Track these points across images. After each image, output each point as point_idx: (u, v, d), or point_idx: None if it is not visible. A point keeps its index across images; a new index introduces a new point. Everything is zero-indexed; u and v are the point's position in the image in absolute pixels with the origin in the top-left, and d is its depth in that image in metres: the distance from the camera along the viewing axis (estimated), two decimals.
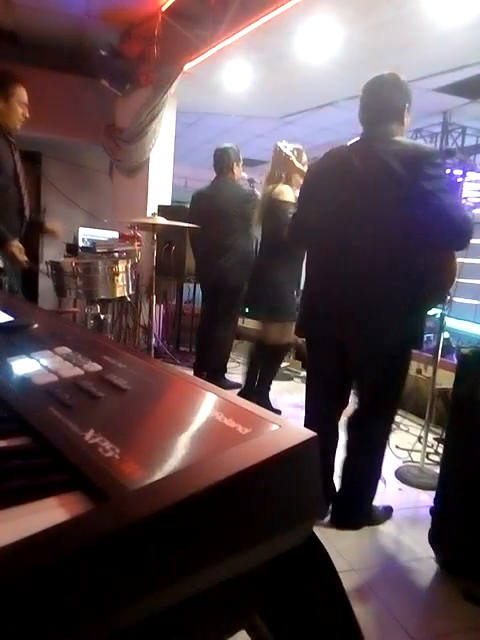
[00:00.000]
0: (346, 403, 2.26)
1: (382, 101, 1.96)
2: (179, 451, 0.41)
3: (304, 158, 3.08)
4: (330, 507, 2.16)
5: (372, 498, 2.19)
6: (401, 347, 2.02)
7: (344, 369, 2.14)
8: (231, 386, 3.83)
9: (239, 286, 3.71)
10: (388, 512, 2.27)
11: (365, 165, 1.90)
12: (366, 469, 2.15)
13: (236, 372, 4.48)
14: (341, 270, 1.98)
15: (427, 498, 2.36)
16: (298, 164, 2.77)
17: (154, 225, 3.25)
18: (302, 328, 2.30)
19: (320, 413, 2.21)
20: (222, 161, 3.69)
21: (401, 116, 1.97)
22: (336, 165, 2.01)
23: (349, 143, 2.02)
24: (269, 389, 3.54)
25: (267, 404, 3.43)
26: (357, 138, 2.03)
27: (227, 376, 4.18)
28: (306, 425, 2.22)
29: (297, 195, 2.57)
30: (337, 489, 2.18)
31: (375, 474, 2.18)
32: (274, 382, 4.14)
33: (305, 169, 2.67)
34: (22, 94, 2.71)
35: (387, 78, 1.98)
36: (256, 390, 3.45)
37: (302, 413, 2.27)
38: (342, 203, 1.97)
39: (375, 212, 1.88)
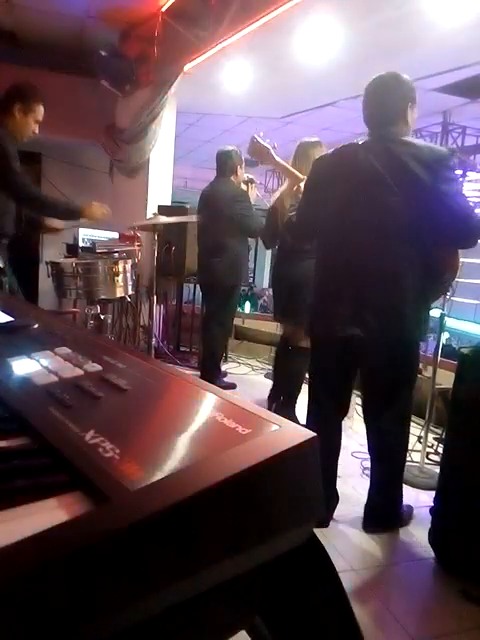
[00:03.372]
0: (348, 405, 2.26)
1: (385, 103, 1.97)
2: (179, 451, 0.41)
3: (323, 150, 3.01)
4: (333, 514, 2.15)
5: (401, 498, 2.19)
6: (415, 341, 2.08)
7: (350, 370, 2.13)
8: (225, 387, 3.83)
9: (231, 287, 3.72)
10: (410, 511, 2.26)
11: (383, 165, 1.89)
12: (396, 469, 2.15)
13: (236, 372, 4.48)
14: (356, 269, 1.95)
15: (427, 498, 2.36)
16: (276, 157, 2.70)
17: (154, 225, 3.25)
18: (312, 328, 2.21)
19: (324, 415, 2.18)
20: (224, 163, 3.70)
21: (404, 116, 1.98)
22: (349, 163, 1.97)
23: (360, 142, 1.99)
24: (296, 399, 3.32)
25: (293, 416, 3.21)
26: (365, 137, 2.01)
27: (228, 377, 4.18)
28: (308, 427, 2.20)
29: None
30: (369, 495, 2.16)
31: (402, 474, 2.19)
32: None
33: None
34: (40, 112, 2.82)
35: (387, 79, 1.98)
36: (283, 402, 3.32)
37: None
38: (357, 202, 1.94)
39: (393, 211, 1.90)
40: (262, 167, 2.75)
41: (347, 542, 2.03)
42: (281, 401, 3.34)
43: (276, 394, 3.48)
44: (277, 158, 2.64)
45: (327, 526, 2.10)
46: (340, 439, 2.19)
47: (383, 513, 2.17)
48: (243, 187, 3.79)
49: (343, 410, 2.22)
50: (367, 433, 2.16)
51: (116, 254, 3.77)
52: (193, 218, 3.77)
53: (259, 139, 2.62)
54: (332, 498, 2.14)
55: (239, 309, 5.31)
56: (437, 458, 2.76)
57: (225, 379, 4.07)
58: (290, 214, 2.33)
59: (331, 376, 2.14)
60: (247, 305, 7.57)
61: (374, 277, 1.94)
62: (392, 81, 1.98)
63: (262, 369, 4.64)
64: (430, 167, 1.85)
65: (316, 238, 2.19)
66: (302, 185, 2.38)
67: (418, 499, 2.42)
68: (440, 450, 2.75)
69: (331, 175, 2.04)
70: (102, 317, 3.56)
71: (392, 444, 2.13)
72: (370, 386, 2.13)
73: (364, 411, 2.19)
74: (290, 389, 3.29)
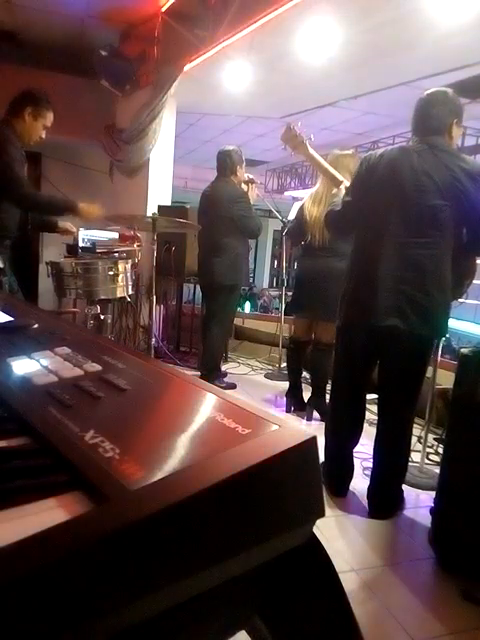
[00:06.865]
0: (368, 389, 2.38)
1: (430, 115, 2.12)
2: (179, 451, 0.41)
3: (358, 160, 3.04)
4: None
5: (402, 484, 2.35)
6: (435, 337, 2.27)
7: (374, 360, 2.27)
8: (225, 387, 3.83)
9: (232, 286, 3.72)
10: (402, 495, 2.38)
11: (433, 171, 2.03)
12: (404, 455, 2.27)
13: (236, 372, 4.48)
14: (401, 264, 2.05)
15: (427, 498, 2.36)
16: (312, 150, 2.67)
17: (154, 225, 3.25)
18: (347, 315, 2.26)
19: (352, 404, 2.32)
20: (224, 163, 3.71)
21: (449, 130, 2.13)
22: (403, 165, 2.08)
23: (413, 147, 2.11)
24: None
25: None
26: (417, 143, 2.12)
27: (228, 377, 4.18)
28: (337, 402, 2.40)
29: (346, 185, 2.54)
30: (375, 486, 2.26)
31: (407, 460, 2.32)
32: (280, 382, 4.15)
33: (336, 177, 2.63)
34: (49, 119, 2.89)
35: (437, 94, 2.15)
36: (314, 401, 3.32)
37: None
38: (407, 202, 2.05)
39: (439, 215, 2.03)
40: (294, 158, 2.80)
41: (347, 542, 2.03)
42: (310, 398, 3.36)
43: (296, 393, 3.48)
44: (312, 152, 2.65)
45: (345, 496, 2.34)
46: (364, 414, 2.38)
47: (392, 499, 2.29)
48: (243, 187, 3.79)
49: (365, 391, 2.37)
50: (380, 425, 2.24)
51: (116, 254, 3.78)
52: (193, 222, 3.77)
53: (295, 128, 2.62)
54: (350, 470, 2.37)
55: (239, 309, 5.31)
56: (437, 458, 2.76)
57: (225, 379, 4.08)
58: (330, 206, 2.39)
59: (358, 362, 2.27)
60: (247, 305, 7.59)
61: (418, 274, 2.04)
62: (440, 96, 2.15)
63: (262, 369, 4.64)
64: (475, 179, 2.02)
65: (355, 231, 2.27)
66: (342, 187, 2.50)
67: (418, 499, 2.42)
68: (440, 450, 2.75)
69: (384, 174, 2.12)
70: (102, 317, 3.56)
71: (406, 431, 2.24)
72: (393, 377, 2.20)
73: (381, 401, 2.28)
74: (321, 383, 3.33)
